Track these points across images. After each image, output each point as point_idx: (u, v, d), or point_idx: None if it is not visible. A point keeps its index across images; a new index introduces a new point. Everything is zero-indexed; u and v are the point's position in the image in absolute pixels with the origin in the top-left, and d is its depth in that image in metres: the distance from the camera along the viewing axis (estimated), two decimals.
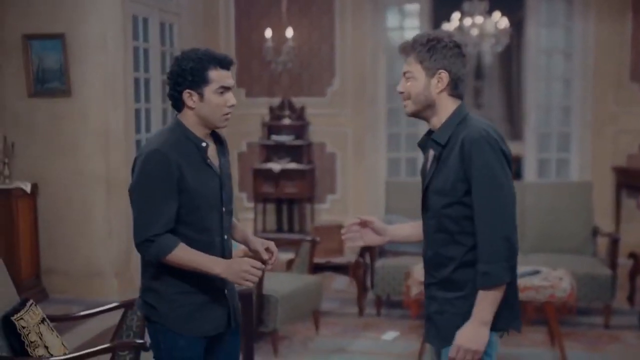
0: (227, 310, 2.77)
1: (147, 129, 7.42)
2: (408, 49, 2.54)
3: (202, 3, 8.52)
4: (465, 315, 2.47)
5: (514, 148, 9.84)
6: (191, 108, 2.64)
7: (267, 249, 2.79)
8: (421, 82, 2.52)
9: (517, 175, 9.66)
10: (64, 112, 6.27)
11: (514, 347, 5.03)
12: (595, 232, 6.11)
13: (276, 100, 8.55)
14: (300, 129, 8.46)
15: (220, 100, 2.63)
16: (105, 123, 6.22)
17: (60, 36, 6.21)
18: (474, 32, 9.00)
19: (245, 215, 8.29)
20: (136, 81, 7.02)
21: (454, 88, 2.53)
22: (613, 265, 5.68)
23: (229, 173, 2.78)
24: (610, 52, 8.10)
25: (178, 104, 2.67)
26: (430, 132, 2.63)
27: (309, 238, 5.80)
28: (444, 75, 2.50)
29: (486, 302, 2.42)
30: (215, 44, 8.67)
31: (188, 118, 2.66)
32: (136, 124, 7.03)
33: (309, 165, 8.44)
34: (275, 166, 8.36)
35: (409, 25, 8.75)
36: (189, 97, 2.62)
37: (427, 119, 2.59)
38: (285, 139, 8.41)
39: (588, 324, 5.62)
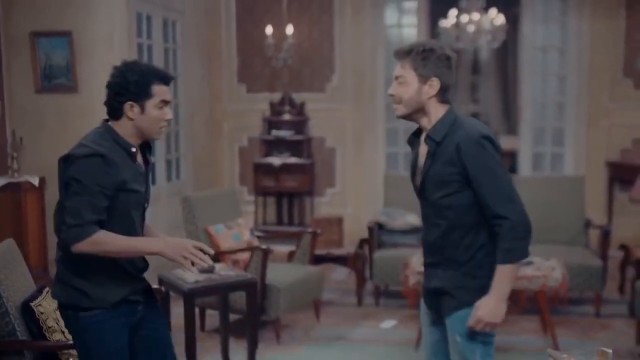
0: (146, 285, 2.91)
1: None
2: (403, 55, 2.76)
3: (204, 1, 8.67)
4: (466, 289, 2.74)
5: (509, 143, 9.97)
6: (130, 119, 2.73)
7: None
8: (413, 87, 2.74)
9: (512, 169, 9.84)
10: (70, 108, 6.43)
11: (507, 335, 5.21)
12: (588, 224, 6.29)
13: (276, 96, 8.71)
14: (300, 124, 8.62)
15: (159, 113, 2.74)
16: None
17: (67, 34, 6.37)
18: (471, 28, 9.13)
19: (246, 209, 8.43)
20: None
21: (443, 95, 2.76)
22: (604, 256, 5.86)
23: (150, 171, 2.91)
24: (605, 48, 8.26)
25: (116, 114, 2.75)
26: (418, 131, 2.87)
27: (309, 230, 5.96)
28: (435, 83, 2.73)
29: (505, 277, 2.68)
30: (217, 41, 8.84)
31: (124, 127, 2.75)
32: None
33: (308, 160, 8.60)
34: (276, 160, 8.51)
35: (407, 22, 8.89)
36: (130, 109, 2.72)
37: (416, 121, 2.82)
38: (286, 133, 8.57)
39: (580, 313, 5.81)
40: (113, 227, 2.68)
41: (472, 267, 2.75)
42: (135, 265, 2.84)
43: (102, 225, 2.66)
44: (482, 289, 2.72)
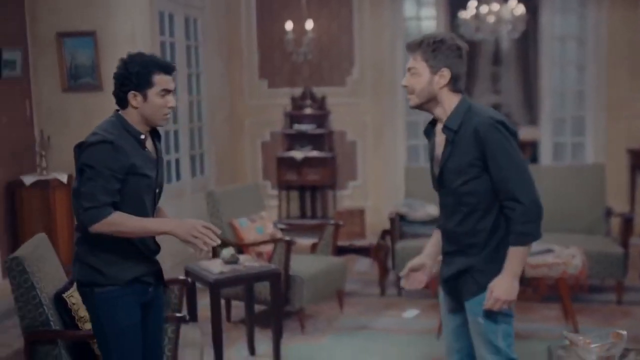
0: (158, 269, 3.09)
1: (174, 121, 7.72)
2: (415, 47, 2.86)
3: None
4: (487, 273, 2.83)
5: (530, 133, 9.98)
6: (135, 107, 2.90)
7: None
8: (425, 78, 2.84)
9: (534, 159, 9.85)
10: (96, 106, 6.56)
11: (528, 322, 5.28)
12: (609, 212, 6.32)
13: (297, 91, 8.80)
14: (321, 118, 8.70)
15: (161, 101, 2.90)
16: None
17: (92, 33, 6.51)
18: (491, 19, 9.15)
19: (270, 203, 8.55)
20: None
21: (454, 84, 2.86)
22: (625, 244, 5.88)
23: (162, 159, 3.08)
24: (624, 37, 8.24)
25: (122, 103, 2.93)
26: (433, 121, 2.96)
27: (332, 222, 6.05)
28: (446, 73, 2.83)
29: (518, 258, 2.79)
30: (237, 37, 8.95)
31: (131, 115, 2.92)
32: None
33: (330, 153, 8.68)
34: (298, 154, 8.60)
35: (426, 14, 8.94)
36: (134, 98, 2.88)
37: (430, 111, 2.92)
38: (307, 127, 8.66)
39: (601, 301, 5.84)
40: (125, 209, 2.85)
41: (492, 250, 2.84)
42: (147, 247, 3.01)
43: (116, 207, 2.83)
44: (501, 272, 2.81)
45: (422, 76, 2.84)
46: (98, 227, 2.79)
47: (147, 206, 2.98)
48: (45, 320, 3.34)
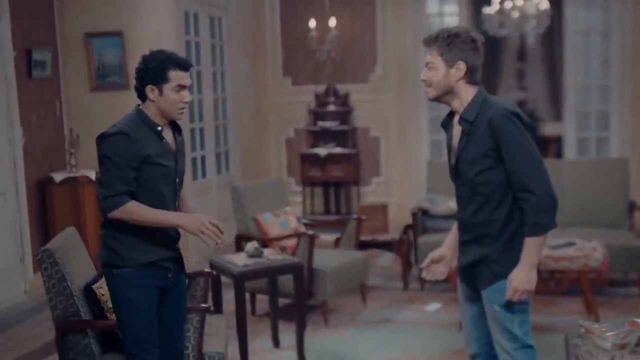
0: (177, 256, 3.23)
1: (200, 118, 7.85)
2: (431, 42, 2.95)
3: None
4: (502, 262, 2.90)
5: (556, 128, 9.88)
6: (152, 101, 3.07)
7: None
8: (441, 71, 2.92)
9: (558, 154, 9.83)
10: (123, 105, 6.66)
11: (551, 315, 5.31)
12: (632, 206, 6.31)
13: (321, 88, 8.88)
14: (344, 115, 8.78)
15: (176, 96, 3.06)
16: None
17: (119, 33, 6.66)
18: (515, 14, 9.14)
19: (294, 199, 8.65)
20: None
21: (471, 76, 2.93)
22: None
23: (183, 151, 3.23)
24: None
25: (142, 97, 3.10)
26: (451, 114, 3.03)
27: (354, 216, 6.12)
28: (462, 66, 2.90)
29: (534, 248, 2.85)
30: (262, 35, 9.05)
31: (150, 109, 3.09)
32: (190, 114, 7.46)
33: (353, 150, 8.75)
34: (322, 151, 8.69)
35: (449, 10, 8.96)
36: (151, 92, 3.05)
37: (447, 103, 2.99)
38: (331, 124, 8.74)
39: (624, 295, 5.85)
40: (142, 197, 3.05)
41: (506, 240, 2.90)
42: (166, 233, 3.17)
43: (133, 195, 3.03)
44: (517, 260, 2.87)
45: (438, 70, 2.92)
46: (115, 214, 3.01)
47: (164, 194, 3.13)
48: (76, 311, 3.46)
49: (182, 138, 3.27)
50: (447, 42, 2.89)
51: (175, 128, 3.22)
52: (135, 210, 3.01)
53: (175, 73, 3.04)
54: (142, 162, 3.02)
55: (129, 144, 2.99)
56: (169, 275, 3.21)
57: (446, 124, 3.09)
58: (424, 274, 3.17)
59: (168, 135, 3.17)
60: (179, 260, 3.27)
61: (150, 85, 3.04)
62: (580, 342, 3.00)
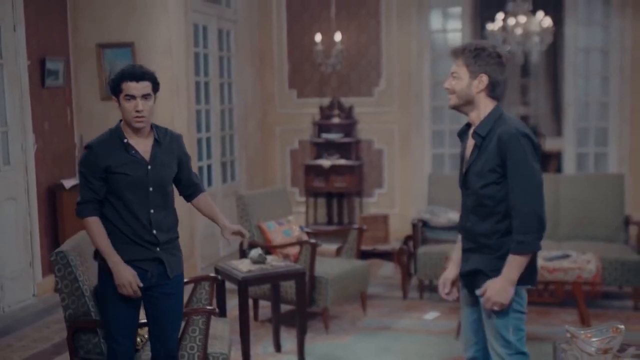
0: (159, 258, 3.42)
1: (207, 129, 8.02)
2: (458, 53, 3.11)
3: (257, 10, 9.09)
4: (500, 271, 3.02)
5: (556, 144, 9.93)
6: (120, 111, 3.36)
7: (239, 232, 3.71)
8: (465, 81, 3.08)
9: (558, 170, 9.96)
10: None
11: (547, 325, 5.44)
12: (628, 221, 6.45)
13: (326, 100, 9.05)
14: (348, 127, 8.94)
15: (128, 105, 3.29)
16: (171, 123, 6.77)
17: (130, 45, 6.84)
18: (518, 31, 9.29)
19: (297, 209, 8.80)
20: (197, 84, 7.62)
21: (492, 90, 3.08)
22: None
23: (163, 160, 3.41)
24: None
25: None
26: (468, 125, 3.20)
27: (356, 226, 6.27)
28: (485, 79, 3.06)
29: (515, 265, 2.98)
30: (269, 48, 9.24)
31: (124, 120, 3.37)
32: (197, 124, 7.63)
33: (357, 161, 8.90)
34: (326, 162, 8.83)
35: (452, 27, 9.12)
36: (116, 103, 3.34)
37: (466, 113, 3.15)
38: (335, 136, 8.89)
39: (618, 307, 5.98)
40: (110, 204, 3.36)
41: (505, 252, 3.03)
42: (140, 236, 3.38)
43: (102, 202, 3.35)
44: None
45: (462, 80, 3.08)
46: (82, 222, 3.38)
47: (133, 201, 3.35)
48: (87, 311, 3.61)
49: (172, 147, 3.44)
50: (474, 54, 3.05)
51: (157, 139, 3.39)
52: (91, 230, 3.36)
53: (126, 84, 3.27)
54: (106, 172, 3.30)
55: (90, 156, 3.31)
56: (148, 276, 3.40)
57: (462, 134, 3.24)
58: (449, 298, 3.31)
59: (145, 144, 3.37)
60: (159, 262, 3.43)
61: (114, 98, 3.32)
62: (567, 347, 3.14)
